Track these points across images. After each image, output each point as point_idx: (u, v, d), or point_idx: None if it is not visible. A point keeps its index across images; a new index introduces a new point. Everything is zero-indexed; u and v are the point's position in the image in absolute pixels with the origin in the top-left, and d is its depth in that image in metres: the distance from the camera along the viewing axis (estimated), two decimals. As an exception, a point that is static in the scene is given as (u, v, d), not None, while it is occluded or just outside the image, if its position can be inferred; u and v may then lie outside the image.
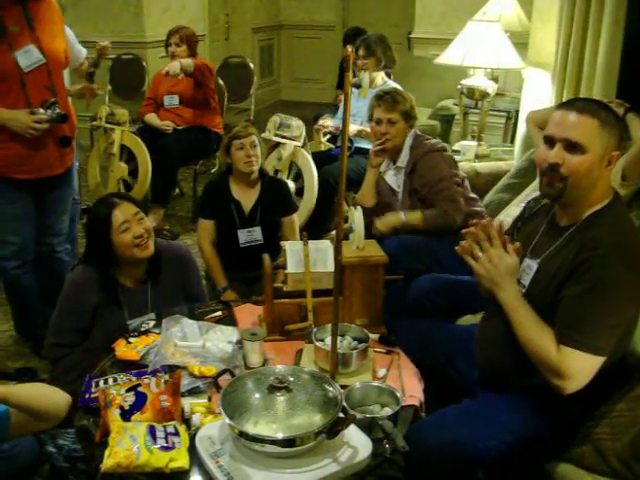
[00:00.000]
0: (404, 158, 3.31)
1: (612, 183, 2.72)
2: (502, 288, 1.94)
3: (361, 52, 4.68)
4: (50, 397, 1.93)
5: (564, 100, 3.70)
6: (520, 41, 4.64)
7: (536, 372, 1.89)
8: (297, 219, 3.57)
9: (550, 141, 1.92)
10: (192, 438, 1.78)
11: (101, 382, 2.01)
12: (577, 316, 1.81)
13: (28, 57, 2.89)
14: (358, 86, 4.60)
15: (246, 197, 3.41)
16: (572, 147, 1.87)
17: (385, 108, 3.29)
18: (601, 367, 1.83)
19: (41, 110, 2.91)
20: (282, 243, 2.52)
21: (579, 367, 1.80)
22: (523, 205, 2.33)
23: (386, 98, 3.30)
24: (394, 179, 3.41)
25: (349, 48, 1.64)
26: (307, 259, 2.33)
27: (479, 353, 2.15)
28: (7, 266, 3.16)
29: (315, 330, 2.19)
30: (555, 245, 1.96)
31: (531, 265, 2.01)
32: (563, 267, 1.88)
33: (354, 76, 4.60)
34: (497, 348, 2.04)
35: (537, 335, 1.86)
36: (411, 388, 2.08)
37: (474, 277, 2.06)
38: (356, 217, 2.39)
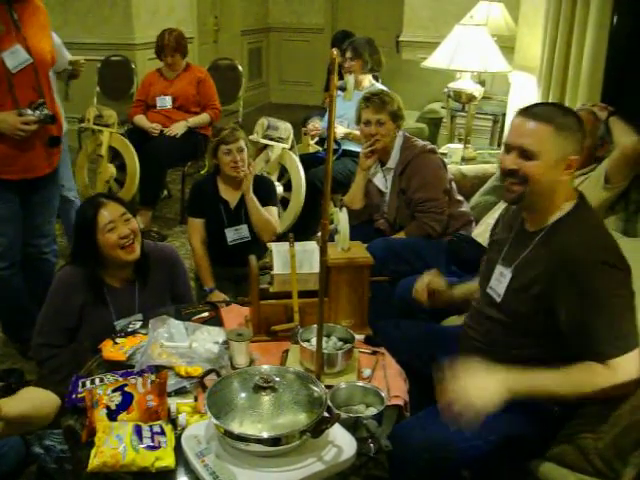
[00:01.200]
0: (394, 159, 3.35)
1: (595, 186, 2.79)
2: (498, 382, 1.81)
3: (348, 54, 4.71)
4: (43, 403, 1.92)
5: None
6: (507, 45, 4.68)
7: (531, 346, 1.95)
8: (276, 211, 3.57)
9: (507, 148, 1.97)
10: (178, 438, 1.78)
11: (88, 382, 2.01)
12: (605, 328, 1.81)
13: (15, 57, 2.87)
14: (343, 89, 4.63)
15: (233, 195, 3.44)
16: (525, 154, 1.90)
17: (373, 109, 3.32)
18: None
19: (29, 111, 2.90)
20: (269, 244, 2.54)
21: (633, 367, 1.81)
22: (496, 217, 2.35)
23: (374, 99, 3.34)
24: (382, 181, 3.44)
25: (334, 51, 1.66)
26: (293, 260, 2.34)
27: (463, 356, 2.16)
28: None
29: (301, 331, 2.21)
30: (526, 252, 1.98)
31: (504, 273, 2.04)
32: (540, 274, 1.90)
33: (341, 79, 4.62)
34: (480, 354, 2.05)
35: (570, 380, 1.83)
36: (396, 388, 2.09)
37: (459, 279, 2.09)
38: (341, 219, 2.41)
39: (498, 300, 2.04)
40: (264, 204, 3.46)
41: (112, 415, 1.84)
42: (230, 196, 3.45)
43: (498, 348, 2.05)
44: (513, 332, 2.02)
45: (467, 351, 2.12)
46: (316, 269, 2.23)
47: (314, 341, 2.07)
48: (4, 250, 3.11)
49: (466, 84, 4.57)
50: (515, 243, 2.05)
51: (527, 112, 1.95)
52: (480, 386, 1.79)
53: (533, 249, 1.96)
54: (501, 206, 3.27)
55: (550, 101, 3.75)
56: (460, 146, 4.56)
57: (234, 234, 3.42)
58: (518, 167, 1.92)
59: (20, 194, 3.10)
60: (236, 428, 1.65)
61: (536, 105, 2.02)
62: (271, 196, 3.58)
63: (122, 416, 1.85)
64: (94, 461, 1.69)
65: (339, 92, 4.60)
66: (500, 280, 2.05)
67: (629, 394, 1.82)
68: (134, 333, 2.34)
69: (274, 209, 3.54)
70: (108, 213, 2.53)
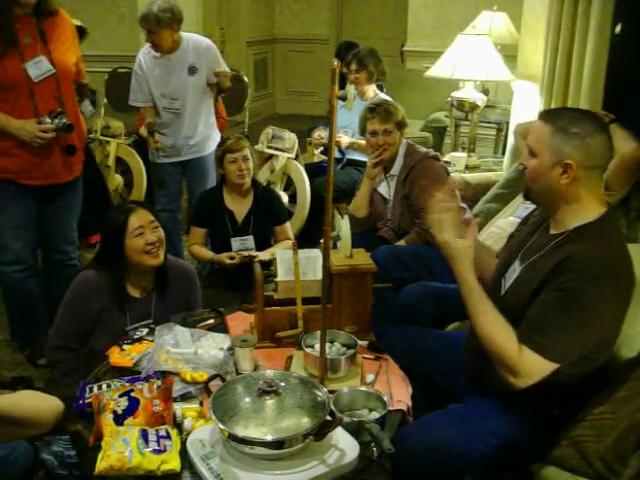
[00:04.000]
0: (397, 166, 3.40)
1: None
2: (459, 262, 1.99)
3: (353, 66, 4.73)
4: (36, 407, 1.94)
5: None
6: (510, 54, 4.70)
7: None
8: (290, 227, 3.64)
9: None
10: (184, 442, 1.81)
11: (95, 388, 2.05)
12: (545, 321, 1.84)
13: (38, 67, 2.98)
14: (344, 99, 4.67)
15: (239, 207, 3.50)
16: (529, 150, 1.96)
17: (380, 120, 3.37)
18: (583, 372, 1.90)
19: (47, 119, 2.98)
20: (272, 252, 2.57)
21: (536, 370, 1.83)
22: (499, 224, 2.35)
23: (379, 110, 3.38)
24: (386, 188, 3.48)
25: (334, 62, 1.70)
26: (297, 267, 2.37)
27: (465, 360, 2.19)
28: (7, 270, 3.21)
29: (305, 337, 2.24)
30: (542, 252, 1.98)
31: (515, 269, 2.06)
32: (541, 273, 1.90)
33: (342, 88, 4.66)
34: (483, 355, 2.07)
35: (497, 328, 1.90)
36: (399, 393, 2.11)
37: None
38: (343, 226, 2.44)
39: (502, 293, 2.06)
40: (279, 222, 3.55)
41: (119, 420, 1.87)
42: (236, 206, 3.50)
43: None
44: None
45: (471, 349, 2.13)
46: (319, 276, 2.26)
47: (318, 347, 2.10)
48: (20, 254, 3.19)
49: (469, 93, 4.60)
50: (535, 243, 2.07)
51: (543, 112, 2.03)
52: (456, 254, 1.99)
53: (548, 251, 1.96)
54: (506, 211, 3.30)
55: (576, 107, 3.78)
56: (464, 154, 4.59)
57: (240, 244, 3.47)
58: (525, 164, 1.99)
59: (41, 201, 3.20)
60: (240, 432, 1.68)
61: (558, 108, 2.10)
62: (283, 213, 3.66)
63: (129, 421, 1.87)
64: (101, 464, 1.72)
65: (340, 102, 4.63)
66: (511, 275, 2.07)
67: (512, 388, 1.86)
68: (141, 340, 2.37)
69: (288, 225, 3.63)
70: (137, 219, 2.59)
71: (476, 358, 2.10)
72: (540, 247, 2.01)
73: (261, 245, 3.47)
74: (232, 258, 3.36)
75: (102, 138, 5.08)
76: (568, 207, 1.94)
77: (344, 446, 1.75)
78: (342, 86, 4.73)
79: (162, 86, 4.03)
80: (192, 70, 3.99)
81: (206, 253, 3.52)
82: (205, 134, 4.14)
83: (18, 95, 2.96)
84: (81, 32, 3.87)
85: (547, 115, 1.98)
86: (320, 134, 4.98)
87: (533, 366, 1.83)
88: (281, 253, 2.53)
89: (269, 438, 1.66)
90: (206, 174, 4.20)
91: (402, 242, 3.31)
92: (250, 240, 3.47)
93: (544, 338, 1.83)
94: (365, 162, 3.67)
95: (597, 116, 2.01)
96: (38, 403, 1.90)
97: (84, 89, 3.78)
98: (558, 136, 1.89)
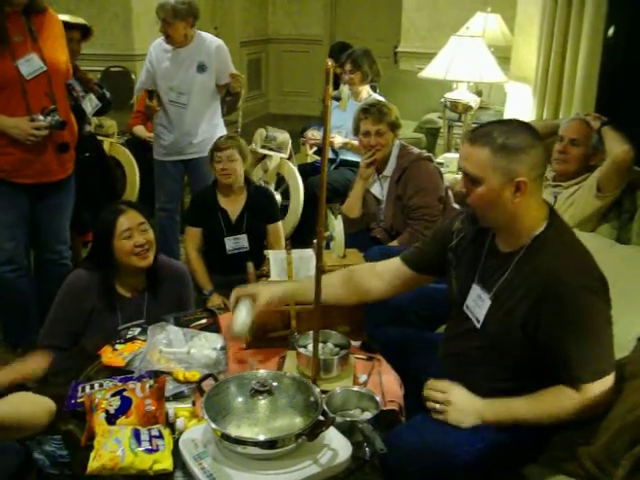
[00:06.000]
0: (390, 167, 3.40)
1: (587, 195, 2.82)
2: (476, 412, 1.93)
3: (347, 67, 4.74)
4: (28, 409, 1.93)
5: (544, 113, 3.78)
6: (504, 55, 4.72)
7: (507, 380, 1.95)
8: (282, 227, 3.64)
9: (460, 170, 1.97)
10: (176, 442, 1.80)
11: (87, 387, 2.04)
12: (582, 353, 1.82)
13: (30, 65, 2.98)
14: (338, 99, 4.67)
15: (232, 205, 3.50)
16: (469, 178, 1.87)
17: (373, 120, 3.37)
18: None
19: (40, 117, 2.98)
20: (266, 252, 2.57)
21: (604, 391, 1.83)
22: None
23: (372, 110, 3.39)
24: (379, 189, 3.49)
25: (329, 62, 1.70)
26: (290, 267, 2.37)
27: (446, 370, 2.15)
28: (0, 270, 3.20)
29: (298, 337, 2.24)
30: (504, 276, 1.93)
31: (482, 297, 2.00)
32: (523, 297, 1.87)
33: (336, 89, 4.67)
34: (463, 368, 2.07)
35: (542, 406, 1.87)
36: (391, 393, 2.11)
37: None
38: (336, 226, 2.44)
39: (477, 325, 2.00)
40: (271, 220, 3.56)
41: (111, 419, 1.86)
42: (229, 206, 3.51)
43: (474, 376, 2.03)
44: (489, 360, 2.01)
45: (448, 362, 2.14)
46: (312, 276, 2.26)
47: (310, 347, 2.10)
48: (13, 254, 3.19)
49: (463, 94, 4.62)
50: (489, 264, 2.01)
51: (471, 134, 1.90)
52: (459, 409, 1.93)
53: (512, 271, 1.92)
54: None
55: (546, 111, 3.80)
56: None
57: (233, 244, 3.47)
58: (467, 191, 1.90)
59: (33, 199, 3.19)
60: (233, 431, 1.67)
61: (484, 125, 1.93)
62: (276, 211, 3.68)
63: (121, 420, 1.86)
64: (93, 464, 1.71)
65: (335, 102, 4.63)
66: (478, 304, 2.01)
67: (598, 414, 1.85)
68: (133, 339, 2.36)
69: (280, 224, 3.64)
70: (126, 220, 2.58)
71: (456, 370, 2.09)
72: (498, 269, 1.96)
73: (255, 244, 3.46)
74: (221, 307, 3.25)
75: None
76: (522, 222, 1.89)
77: (337, 446, 1.75)
78: (336, 86, 4.73)
79: (169, 79, 4.05)
80: (201, 68, 4.01)
81: (201, 277, 3.49)
82: (209, 134, 4.11)
83: (10, 93, 2.95)
84: (86, 31, 3.85)
85: (477, 137, 1.86)
86: (313, 133, 4.99)
87: (605, 389, 1.83)
88: (274, 253, 2.53)
89: (262, 438, 1.66)
90: (208, 175, 4.19)
91: (395, 243, 3.31)
92: (244, 239, 3.47)
93: (590, 366, 1.83)
94: (358, 162, 3.67)
95: (524, 123, 1.95)
96: (33, 406, 1.90)
97: (89, 84, 3.78)
98: (501, 156, 1.81)
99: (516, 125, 1.90)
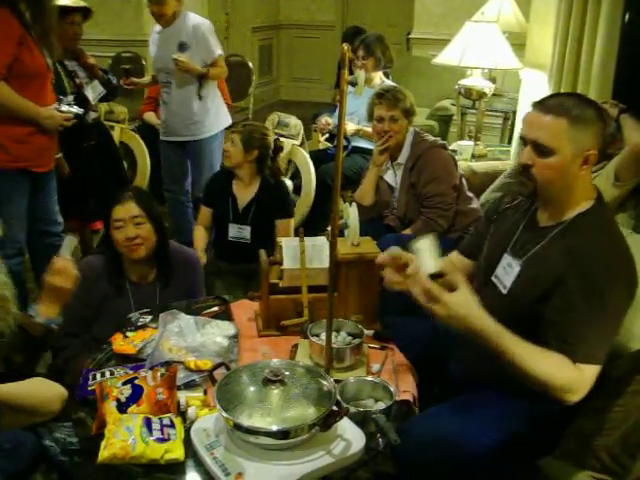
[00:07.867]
0: (404, 154, 3.37)
1: (605, 183, 2.78)
2: (474, 317, 1.77)
3: (360, 52, 4.70)
4: (44, 394, 1.92)
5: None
6: (518, 42, 4.67)
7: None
8: (293, 224, 3.59)
9: (523, 141, 1.92)
10: (187, 431, 1.79)
11: (98, 375, 2.03)
12: (588, 332, 1.78)
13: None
14: (354, 84, 4.62)
15: (243, 194, 3.47)
16: (540, 149, 1.84)
17: (387, 106, 3.34)
18: None
19: (64, 107, 3.00)
20: (278, 239, 2.55)
21: (590, 379, 1.80)
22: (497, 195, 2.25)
23: (387, 96, 3.35)
24: (392, 176, 3.46)
25: (345, 46, 1.67)
26: (303, 255, 2.35)
27: (463, 362, 2.13)
28: (10, 263, 3.17)
29: (310, 325, 2.21)
30: (538, 246, 1.93)
31: (512, 264, 2.00)
32: (548, 272, 1.85)
33: (351, 74, 4.62)
34: (479, 360, 1.99)
35: (546, 359, 1.79)
36: (405, 383, 2.09)
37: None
38: (351, 213, 2.41)
39: (504, 292, 2.00)
40: (281, 216, 3.51)
41: (122, 407, 1.85)
42: (241, 193, 3.48)
43: None
44: (510, 327, 1.90)
45: (466, 353, 2.09)
46: (326, 264, 2.24)
47: (323, 336, 2.08)
48: (22, 245, 3.23)
49: (477, 81, 4.57)
50: (525, 237, 2.01)
51: (541, 105, 1.88)
52: (463, 308, 1.75)
53: (546, 244, 1.92)
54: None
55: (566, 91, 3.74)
56: (470, 143, 4.55)
57: (236, 232, 3.46)
58: (533, 163, 1.87)
59: (35, 188, 3.18)
60: (245, 421, 1.65)
61: (551, 97, 1.94)
62: (288, 208, 3.62)
63: (132, 409, 1.86)
64: (104, 453, 1.70)
65: (350, 88, 4.59)
66: (507, 271, 2.01)
67: (566, 404, 1.79)
68: (144, 327, 2.35)
69: (291, 221, 3.58)
70: (121, 211, 2.56)
71: (472, 363, 2.06)
72: (534, 239, 1.96)
73: (258, 238, 3.42)
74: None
75: (106, 123, 5.03)
76: (575, 195, 1.90)
77: (350, 437, 1.73)
78: (350, 72, 4.69)
79: (157, 60, 4.12)
80: (182, 47, 3.98)
81: (198, 243, 3.53)
82: (200, 118, 4.11)
83: (41, 83, 2.97)
84: (86, 12, 3.83)
85: (550, 107, 1.85)
86: (327, 120, 4.95)
87: (588, 377, 1.79)
88: (287, 241, 2.50)
89: (274, 428, 1.64)
90: (203, 158, 4.18)
91: (408, 231, 3.28)
92: (247, 230, 3.44)
93: (589, 347, 1.79)
94: (371, 150, 3.64)
95: (585, 97, 1.95)
96: (46, 391, 1.90)
97: (93, 69, 3.77)
98: (578, 127, 1.81)
99: (582, 98, 1.91)
